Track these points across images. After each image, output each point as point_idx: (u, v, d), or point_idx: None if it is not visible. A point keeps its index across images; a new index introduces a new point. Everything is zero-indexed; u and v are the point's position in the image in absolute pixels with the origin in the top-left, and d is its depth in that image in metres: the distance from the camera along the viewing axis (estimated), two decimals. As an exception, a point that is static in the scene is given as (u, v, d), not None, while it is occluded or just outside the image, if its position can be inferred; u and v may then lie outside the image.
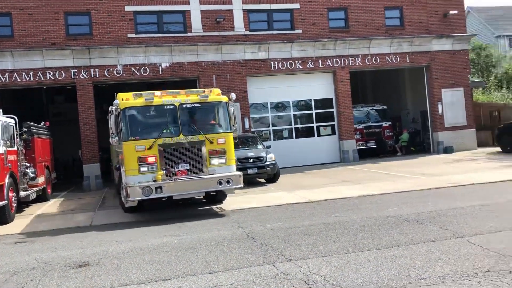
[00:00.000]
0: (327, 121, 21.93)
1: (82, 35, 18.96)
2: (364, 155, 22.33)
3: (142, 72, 19.22)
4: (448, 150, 22.12)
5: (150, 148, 10.11)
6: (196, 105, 10.76)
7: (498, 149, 20.95)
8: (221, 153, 10.67)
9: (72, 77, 18.57)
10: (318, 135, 21.83)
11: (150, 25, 19.98)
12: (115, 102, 10.49)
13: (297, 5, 21.31)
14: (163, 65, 19.51)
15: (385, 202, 10.62)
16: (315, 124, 21.81)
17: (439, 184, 12.64)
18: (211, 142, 10.52)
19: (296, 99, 21.81)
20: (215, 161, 10.58)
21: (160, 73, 19.50)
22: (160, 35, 19.83)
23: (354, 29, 22.01)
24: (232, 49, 20.24)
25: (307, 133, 21.84)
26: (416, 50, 22.48)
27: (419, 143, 24.82)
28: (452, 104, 22.80)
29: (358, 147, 22.07)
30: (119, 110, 10.37)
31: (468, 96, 23.24)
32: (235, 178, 10.59)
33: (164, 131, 10.39)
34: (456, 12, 23.05)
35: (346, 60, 21.61)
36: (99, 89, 20.56)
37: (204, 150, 10.48)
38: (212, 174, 10.44)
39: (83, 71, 18.62)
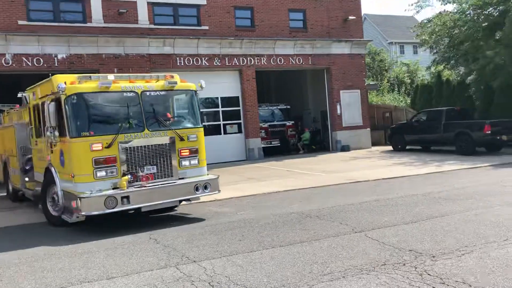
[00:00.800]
0: (234, 119, 21.99)
1: (-37, 19, 17.01)
2: (269, 153, 22.76)
3: (35, 63, 17.70)
4: (345, 148, 23.33)
5: (109, 146, 8.16)
6: (162, 93, 9.05)
7: (390, 147, 22.53)
8: (193, 152, 9.12)
9: (-49, 65, 16.60)
10: (225, 133, 21.80)
11: (45, 12, 18.48)
12: (59, 85, 8.11)
13: (203, 1, 21.06)
14: (60, 56, 18.16)
15: (289, 198, 10.84)
16: (221, 122, 21.74)
17: (337, 180, 13.21)
18: (182, 139, 8.93)
19: (202, 96, 21.49)
20: (187, 162, 9.00)
21: (56, 65, 18.11)
22: (56, 24, 18.41)
23: (260, 29, 22.31)
24: (135, 42, 19.44)
25: (214, 131, 21.67)
26: (318, 53, 23.39)
27: (320, 142, 25.89)
28: (349, 105, 24.08)
29: (263, 145, 22.45)
30: (62, 97, 8.19)
31: (364, 98, 24.70)
32: (213, 182, 9.16)
33: (124, 125, 8.46)
34: (354, 17, 24.37)
35: (252, 59, 21.83)
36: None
37: (174, 148, 8.85)
38: (183, 178, 8.91)
39: (-36, 59, 16.72)
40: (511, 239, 6.14)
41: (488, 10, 21.59)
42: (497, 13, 21.09)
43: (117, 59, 19.12)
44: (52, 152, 8.98)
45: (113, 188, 8.13)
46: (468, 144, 17.95)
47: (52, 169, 8.95)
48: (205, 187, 9.02)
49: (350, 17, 24.15)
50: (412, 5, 25.19)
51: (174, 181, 8.78)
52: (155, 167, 8.64)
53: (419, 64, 39.07)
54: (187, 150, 9.05)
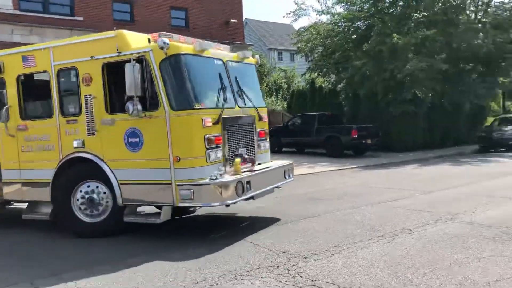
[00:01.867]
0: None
1: None
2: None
3: None
4: (226, 150, 23.46)
5: (217, 122, 6.69)
6: (240, 64, 7.85)
7: (268, 150, 23.17)
8: (267, 135, 8.13)
9: None
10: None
11: None
12: (162, 41, 6.35)
13: (78, -10, 19.64)
14: None
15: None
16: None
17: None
18: (260, 119, 7.83)
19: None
20: (263, 145, 7.98)
21: None
22: None
23: (140, 24, 21.30)
24: (-4, 28, 17.37)
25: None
26: (200, 53, 23.15)
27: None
28: (230, 107, 24.26)
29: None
30: (159, 57, 6.48)
31: (244, 101, 25.11)
32: (292, 169, 8.37)
33: (222, 98, 7.03)
34: (235, 21, 24.66)
35: (131, 56, 20.86)
36: None
37: (256, 129, 7.72)
38: (260, 163, 7.70)
39: None
40: (375, 238, 6.53)
41: (357, 24, 23.36)
42: (365, 27, 22.94)
43: (-28, 46, 16.87)
44: (94, 134, 6.94)
45: (221, 174, 6.56)
46: (337, 147, 19.15)
47: (90, 157, 6.95)
48: (288, 174, 8.18)
49: (232, 20, 24.38)
50: (290, 13, 26.21)
51: (270, 166, 7.81)
52: (245, 149, 7.34)
53: (295, 70, 40.99)
54: (263, 132, 8.03)
